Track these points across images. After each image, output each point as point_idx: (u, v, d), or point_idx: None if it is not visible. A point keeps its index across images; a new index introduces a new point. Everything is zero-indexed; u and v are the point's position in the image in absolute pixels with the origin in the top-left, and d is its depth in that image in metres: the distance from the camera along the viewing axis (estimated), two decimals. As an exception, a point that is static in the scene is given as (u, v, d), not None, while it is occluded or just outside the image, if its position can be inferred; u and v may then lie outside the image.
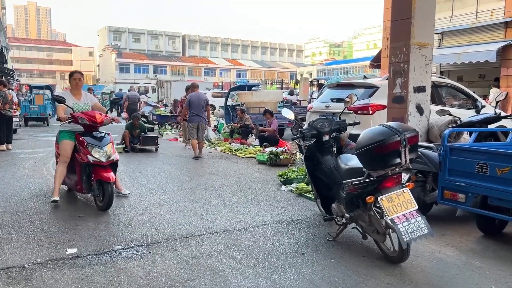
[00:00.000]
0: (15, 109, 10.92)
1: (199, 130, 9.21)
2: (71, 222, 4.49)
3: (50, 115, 18.53)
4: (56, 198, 5.16)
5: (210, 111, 10.99)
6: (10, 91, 11.43)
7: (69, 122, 5.10)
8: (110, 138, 5.22)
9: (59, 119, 5.18)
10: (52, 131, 15.17)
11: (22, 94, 24.66)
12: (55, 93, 5.58)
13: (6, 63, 27.43)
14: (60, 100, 5.07)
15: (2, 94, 9.91)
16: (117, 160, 5.22)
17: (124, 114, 15.82)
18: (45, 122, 18.00)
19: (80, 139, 5.03)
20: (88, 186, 5.12)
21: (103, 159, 4.97)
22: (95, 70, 76.73)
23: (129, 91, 17.37)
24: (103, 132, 5.22)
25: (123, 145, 10.11)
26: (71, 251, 3.67)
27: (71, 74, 5.48)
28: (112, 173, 4.99)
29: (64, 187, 5.83)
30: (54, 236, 4.06)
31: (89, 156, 4.92)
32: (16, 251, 3.66)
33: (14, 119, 11.12)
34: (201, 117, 9.21)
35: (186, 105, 9.43)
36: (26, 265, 3.36)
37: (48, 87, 21.99)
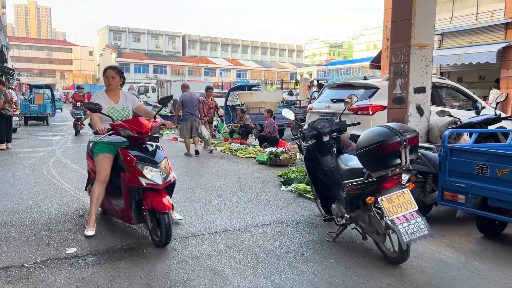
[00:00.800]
0: (14, 108, 10.92)
1: (192, 128, 9.68)
2: (70, 222, 4.49)
3: (50, 114, 18.52)
4: (91, 231, 4.01)
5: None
6: (10, 90, 11.44)
7: (110, 135, 3.96)
8: (164, 151, 4.05)
9: (96, 132, 4.05)
10: (51, 130, 15.18)
11: (22, 93, 24.64)
12: (91, 100, 4.24)
13: (6, 62, 27.42)
14: (94, 108, 3.93)
15: (2, 93, 9.91)
16: (175, 181, 4.04)
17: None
18: (45, 121, 18.00)
19: (127, 155, 3.82)
20: (139, 217, 3.88)
21: (159, 181, 3.77)
22: (95, 69, 76.67)
23: (128, 90, 17.73)
24: (153, 144, 4.07)
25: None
26: (71, 250, 3.66)
27: (104, 70, 4.35)
28: (168, 198, 3.80)
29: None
30: (54, 235, 4.06)
31: (141, 178, 3.71)
32: (16, 250, 3.66)
33: (13, 118, 11.13)
34: (194, 115, 9.69)
35: (179, 105, 9.89)
36: (26, 265, 3.36)
37: (48, 86, 22.01)
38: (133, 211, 3.86)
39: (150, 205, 3.70)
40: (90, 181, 4.60)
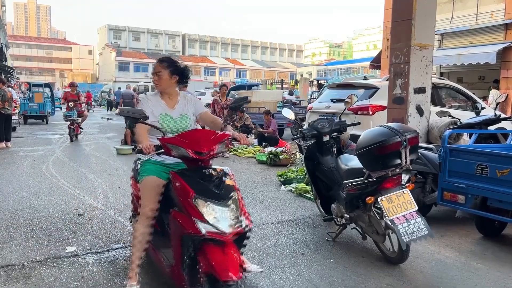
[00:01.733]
0: (14, 107, 10.91)
1: None
2: (70, 220, 4.49)
3: (49, 113, 18.51)
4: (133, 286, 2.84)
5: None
6: (10, 89, 11.42)
7: (159, 154, 2.76)
8: (234, 179, 2.70)
9: (140, 151, 2.81)
10: (51, 129, 15.15)
11: (22, 92, 24.63)
12: (140, 105, 3.09)
13: (6, 60, 27.39)
14: (135, 118, 2.72)
15: (1, 92, 9.90)
16: (250, 228, 2.59)
17: (118, 110, 16.03)
18: (44, 120, 17.98)
19: (181, 184, 2.56)
20: (192, 279, 2.52)
21: (226, 228, 2.41)
22: (94, 68, 76.65)
23: (125, 89, 18.16)
24: (215, 168, 2.69)
25: (132, 146, 9.96)
26: (70, 249, 3.67)
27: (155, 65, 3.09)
28: (238, 257, 2.46)
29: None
30: (54, 234, 4.06)
31: (198, 222, 2.39)
32: (15, 249, 3.66)
33: (13, 117, 11.12)
34: None
35: None
36: (25, 263, 3.36)
37: (47, 85, 22.01)
38: (185, 269, 2.52)
39: (208, 267, 2.38)
40: (135, 213, 3.37)
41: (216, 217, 2.42)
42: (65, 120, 12.00)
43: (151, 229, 2.89)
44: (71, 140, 11.42)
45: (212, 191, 2.51)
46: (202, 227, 2.38)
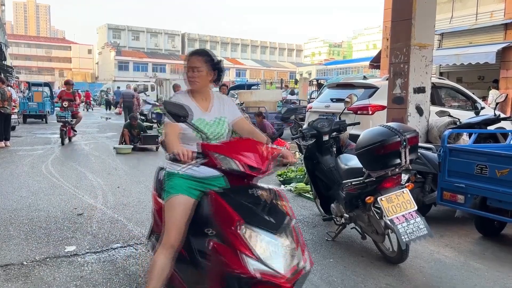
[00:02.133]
0: (13, 106, 10.89)
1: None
2: (69, 220, 4.49)
3: (48, 112, 18.49)
4: None
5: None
6: (9, 88, 11.40)
7: (201, 164, 2.15)
8: (286, 204, 2.15)
9: (175, 159, 2.12)
10: (50, 128, 15.12)
11: (21, 91, 24.63)
12: (171, 98, 2.58)
13: (5, 60, 27.37)
14: (178, 115, 2.20)
15: (1, 91, 9.90)
16: (311, 268, 2.03)
17: (117, 110, 15.99)
18: (44, 119, 17.97)
19: (222, 206, 2.05)
20: None
21: (281, 269, 1.88)
22: (94, 68, 76.60)
23: (126, 88, 18.23)
24: (263, 188, 2.17)
25: (132, 146, 9.96)
26: (70, 248, 3.66)
27: (187, 58, 2.54)
28: None
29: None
30: (53, 233, 4.05)
31: (248, 260, 1.86)
32: (15, 248, 3.65)
33: (12, 116, 11.10)
34: None
35: None
36: (25, 263, 3.36)
37: (47, 84, 22.00)
38: None
39: None
40: (154, 233, 2.86)
41: (269, 252, 1.86)
42: (58, 121, 11.00)
43: (174, 260, 2.34)
44: (62, 144, 10.45)
45: (263, 218, 1.96)
46: (252, 266, 1.83)
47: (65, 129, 10.53)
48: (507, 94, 9.83)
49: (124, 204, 5.15)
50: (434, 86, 6.64)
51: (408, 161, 3.26)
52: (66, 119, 10.56)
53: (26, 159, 8.40)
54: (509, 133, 5.02)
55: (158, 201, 2.67)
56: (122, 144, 10.01)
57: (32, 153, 9.13)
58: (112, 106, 27.56)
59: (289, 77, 58.82)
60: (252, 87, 19.31)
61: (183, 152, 2.08)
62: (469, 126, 5.45)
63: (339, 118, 4.42)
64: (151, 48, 70.97)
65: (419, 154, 3.81)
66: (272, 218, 1.97)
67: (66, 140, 10.74)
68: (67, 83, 11.43)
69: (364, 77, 9.10)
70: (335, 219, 4.05)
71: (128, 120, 10.76)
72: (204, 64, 2.47)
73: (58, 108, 11.32)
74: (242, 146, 2.16)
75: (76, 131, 11.38)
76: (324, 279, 3.17)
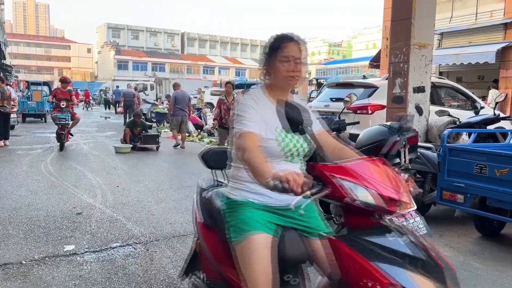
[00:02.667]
0: (12, 105, 10.88)
1: (182, 123, 10.64)
2: (68, 219, 4.48)
3: (47, 111, 18.49)
4: None
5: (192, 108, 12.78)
6: (8, 87, 11.39)
7: (319, 196, 1.58)
8: (435, 248, 1.52)
9: (282, 188, 1.44)
10: (49, 128, 15.08)
11: (20, 90, 24.61)
12: (245, 94, 1.97)
13: (4, 59, 27.33)
14: (296, 119, 1.93)
15: (0, 90, 9.88)
16: None
17: (119, 109, 16.00)
18: (43, 118, 17.96)
19: (354, 260, 1.45)
20: None
21: None
22: (93, 67, 76.56)
23: (127, 88, 18.50)
24: (404, 227, 1.72)
25: (131, 145, 9.94)
26: (69, 248, 3.66)
27: (278, 39, 1.93)
28: None
29: None
30: (52, 233, 4.05)
31: None
32: (14, 247, 3.65)
33: (11, 115, 11.09)
34: (184, 111, 10.69)
35: (172, 101, 10.87)
36: (24, 262, 3.35)
37: (46, 83, 21.99)
38: None
39: None
40: (200, 271, 2.34)
41: None
42: (55, 123, 9.63)
43: None
44: (61, 149, 9.29)
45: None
46: None
47: (63, 132, 9.37)
48: (507, 94, 9.83)
49: (123, 204, 5.14)
50: (434, 86, 6.63)
51: (407, 161, 3.26)
52: (66, 122, 9.47)
53: (25, 158, 8.38)
54: (509, 132, 5.02)
55: (220, 243, 1.95)
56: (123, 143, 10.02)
57: (31, 152, 9.11)
58: (111, 106, 27.51)
59: (288, 76, 58.70)
60: (252, 87, 19.25)
61: (294, 178, 1.43)
62: (468, 125, 5.45)
63: (339, 118, 4.41)
64: (151, 47, 70.93)
65: (418, 153, 3.81)
66: (434, 275, 1.35)
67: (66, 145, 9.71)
68: (63, 81, 10.06)
69: (364, 77, 9.11)
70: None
71: (132, 118, 10.87)
72: (305, 54, 1.90)
73: (53, 108, 10.04)
74: (365, 170, 1.57)
75: (72, 135, 10.33)
76: (323, 279, 3.16)
